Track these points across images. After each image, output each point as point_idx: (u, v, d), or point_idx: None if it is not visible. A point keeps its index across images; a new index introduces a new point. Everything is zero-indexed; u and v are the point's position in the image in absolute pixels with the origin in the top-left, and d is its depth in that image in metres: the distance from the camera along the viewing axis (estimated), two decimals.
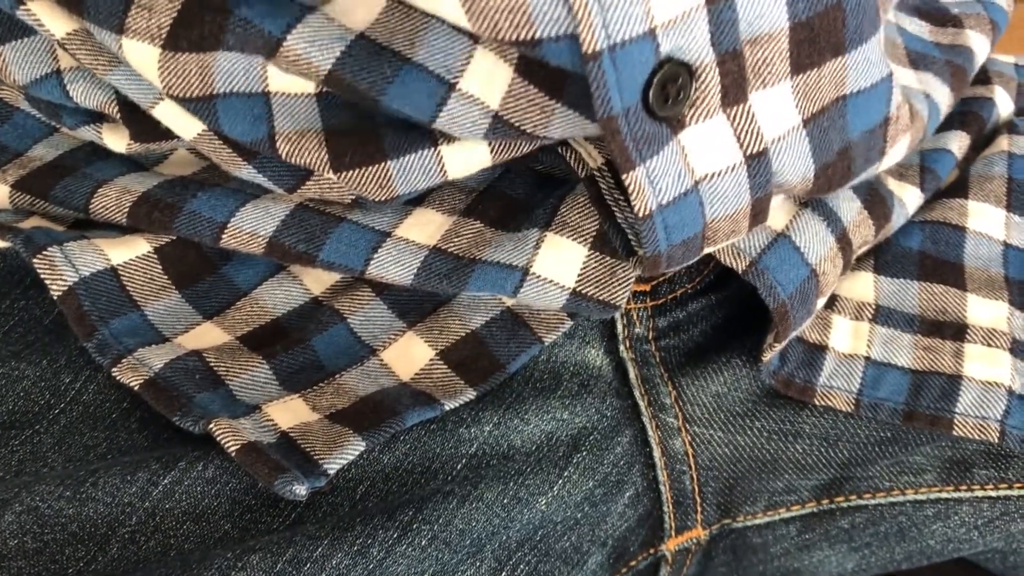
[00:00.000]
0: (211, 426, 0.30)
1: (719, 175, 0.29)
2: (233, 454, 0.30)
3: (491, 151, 0.31)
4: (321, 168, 0.30)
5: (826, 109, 0.31)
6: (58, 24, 0.30)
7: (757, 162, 0.30)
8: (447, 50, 0.28)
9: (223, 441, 0.30)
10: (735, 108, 0.29)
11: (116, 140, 0.34)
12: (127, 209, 0.34)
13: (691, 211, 0.29)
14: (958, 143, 0.41)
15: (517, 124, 0.29)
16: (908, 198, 0.38)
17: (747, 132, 0.29)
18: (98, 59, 0.31)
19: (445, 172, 0.31)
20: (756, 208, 0.31)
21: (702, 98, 0.28)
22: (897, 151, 0.35)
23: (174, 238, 0.35)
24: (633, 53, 0.26)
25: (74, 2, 0.29)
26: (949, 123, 0.42)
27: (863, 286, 0.38)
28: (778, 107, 0.30)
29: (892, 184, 0.38)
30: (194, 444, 0.31)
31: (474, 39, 0.28)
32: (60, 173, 0.35)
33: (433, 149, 0.30)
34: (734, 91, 0.28)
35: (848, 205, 0.36)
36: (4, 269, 0.37)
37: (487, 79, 0.28)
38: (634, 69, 0.26)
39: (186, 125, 0.31)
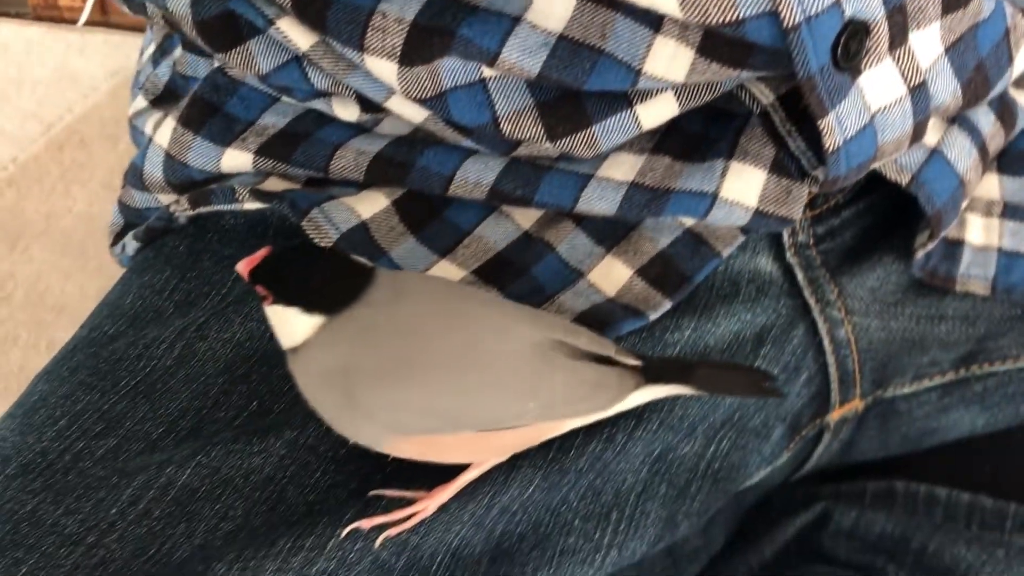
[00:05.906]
0: None
1: (889, 107, 0.35)
2: None
3: (678, 103, 0.36)
4: (539, 140, 0.36)
5: (963, 37, 0.36)
6: (303, 38, 0.36)
7: (919, 91, 0.35)
8: (631, 40, 0.33)
9: None
10: (899, 50, 0.34)
11: (346, 111, 0.39)
12: (364, 168, 0.40)
13: (868, 141, 0.35)
14: None
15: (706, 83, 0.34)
16: None
17: (909, 68, 0.35)
18: (338, 65, 0.36)
19: (641, 126, 0.36)
20: (917, 130, 0.36)
21: (875, 47, 0.33)
22: (1022, 56, 0.40)
23: (405, 191, 0.41)
24: (824, 22, 0.31)
25: (317, 23, 0.35)
26: None
27: (989, 186, 0.43)
28: (928, 42, 0.35)
29: (1012, 91, 0.43)
30: None
31: (655, 29, 0.33)
32: (295, 140, 0.41)
33: (629, 110, 0.36)
34: (899, 37, 0.34)
35: (985, 119, 0.41)
36: (246, 223, 0.43)
37: (669, 63, 0.33)
38: (825, 34, 0.32)
39: (416, 112, 0.37)
